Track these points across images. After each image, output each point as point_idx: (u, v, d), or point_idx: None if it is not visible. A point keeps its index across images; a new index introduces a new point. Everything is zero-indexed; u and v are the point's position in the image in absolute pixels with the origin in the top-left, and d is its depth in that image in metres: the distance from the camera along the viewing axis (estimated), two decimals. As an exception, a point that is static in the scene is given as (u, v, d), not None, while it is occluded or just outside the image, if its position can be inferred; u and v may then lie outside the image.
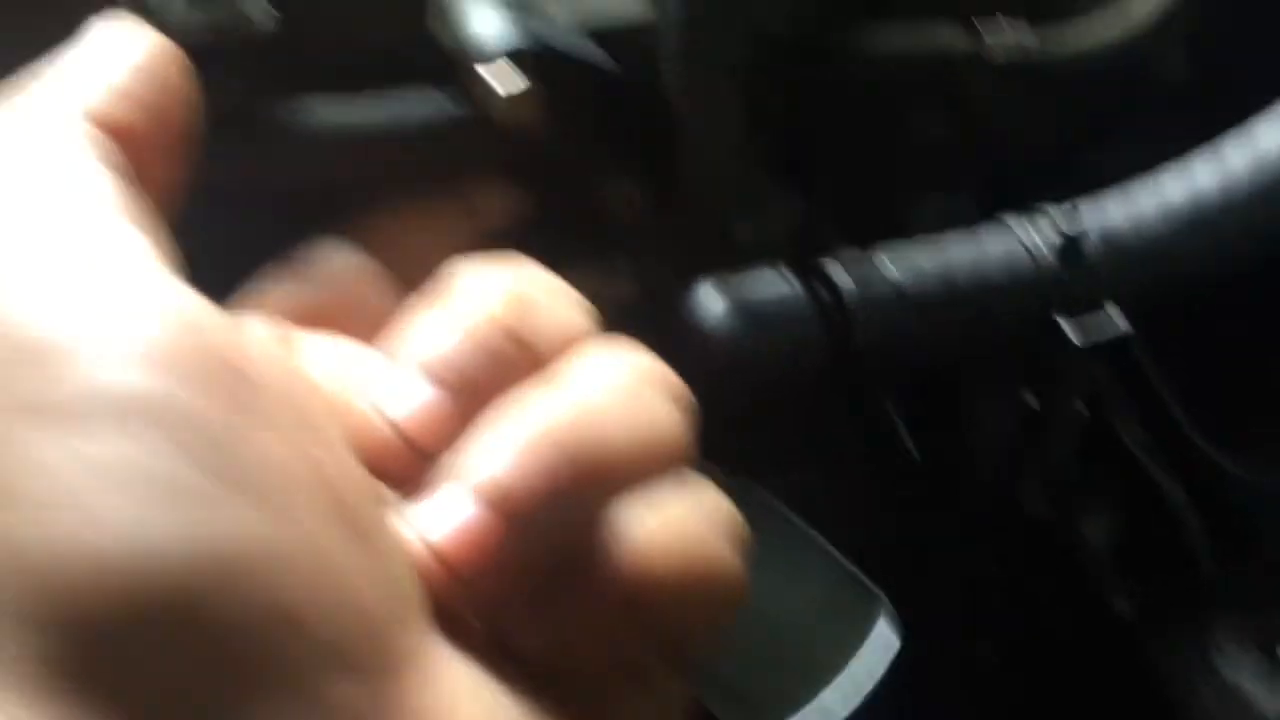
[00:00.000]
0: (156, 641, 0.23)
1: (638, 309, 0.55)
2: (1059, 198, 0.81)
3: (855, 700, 0.40)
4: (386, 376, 0.33)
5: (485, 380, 0.32)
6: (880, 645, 0.41)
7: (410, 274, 0.46)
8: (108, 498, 0.24)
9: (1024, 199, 0.78)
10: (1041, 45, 0.57)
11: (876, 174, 0.66)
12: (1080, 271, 0.50)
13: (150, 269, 0.28)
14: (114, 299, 0.27)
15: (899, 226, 0.69)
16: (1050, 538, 0.65)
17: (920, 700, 0.52)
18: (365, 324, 0.42)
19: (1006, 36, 0.57)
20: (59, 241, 0.28)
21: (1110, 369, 0.70)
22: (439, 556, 0.29)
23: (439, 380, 0.32)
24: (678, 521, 0.32)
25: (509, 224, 0.53)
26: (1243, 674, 0.62)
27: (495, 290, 0.34)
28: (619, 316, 0.42)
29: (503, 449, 0.30)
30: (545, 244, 0.54)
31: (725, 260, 0.57)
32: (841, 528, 0.55)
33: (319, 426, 0.29)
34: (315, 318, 0.40)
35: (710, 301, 0.49)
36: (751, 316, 0.48)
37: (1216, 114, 0.74)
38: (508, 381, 0.32)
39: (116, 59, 0.34)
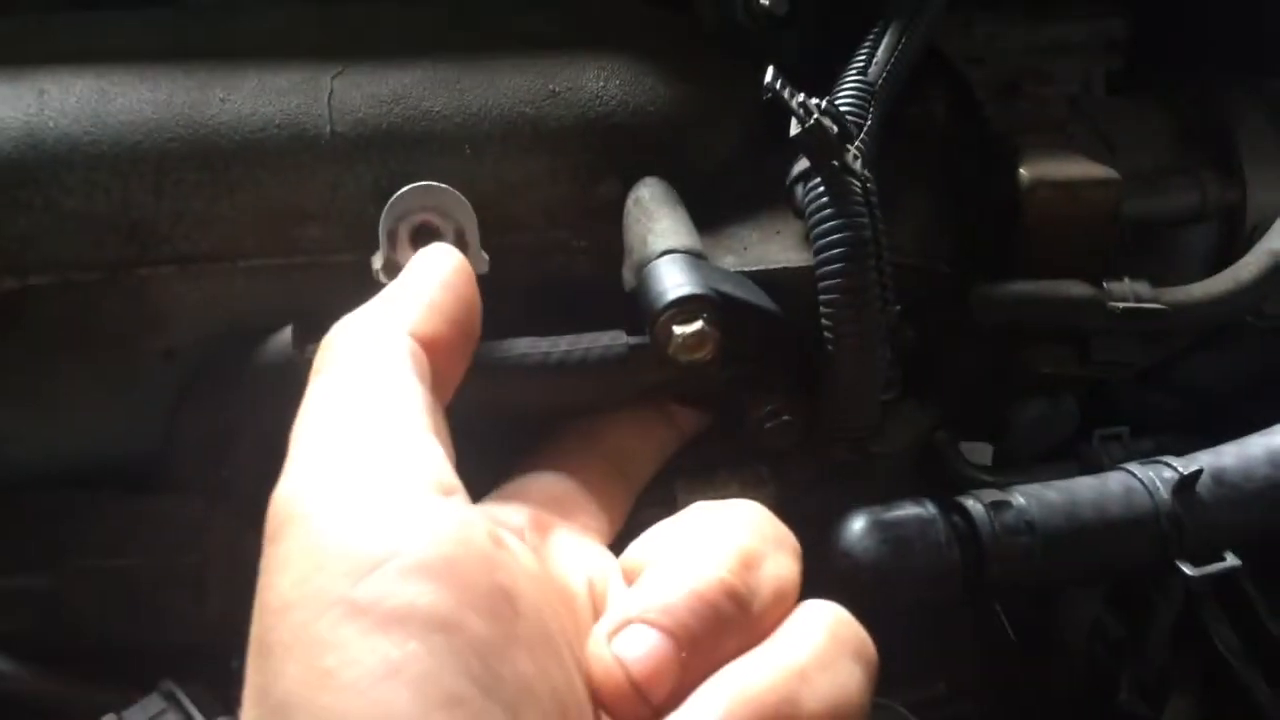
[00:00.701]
0: None
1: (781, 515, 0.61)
2: (1153, 405, 0.85)
3: None
4: (628, 618, 0.38)
5: (706, 635, 0.37)
6: None
7: (627, 467, 0.54)
8: (398, 692, 0.30)
9: (1119, 403, 0.83)
10: (1155, 297, 0.63)
11: (990, 388, 0.71)
12: (1194, 513, 0.55)
13: (442, 485, 0.35)
14: (416, 517, 0.33)
15: (1003, 426, 0.75)
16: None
17: None
18: (598, 517, 0.49)
19: (1125, 288, 0.63)
20: (376, 454, 0.35)
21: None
22: None
23: (668, 631, 0.37)
24: None
25: (701, 432, 0.59)
26: None
27: (727, 547, 0.39)
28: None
29: (716, 706, 0.35)
30: (704, 455, 0.61)
31: (859, 471, 0.63)
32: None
33: (559, 644, 0.35)
34: (563, 505, 0.46)
35: (860, 530, 0.54)
36: (896, 547, 0.54)
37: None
38: (726, 635, 0.37)
39: (434, 279, 0.43)
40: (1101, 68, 0.76)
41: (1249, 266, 0.64)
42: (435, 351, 0.41)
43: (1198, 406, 0.81)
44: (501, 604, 0.34)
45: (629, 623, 0.37)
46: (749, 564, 0.39)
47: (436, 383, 0.41)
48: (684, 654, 0.36)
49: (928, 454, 0.71)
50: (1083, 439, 0.75)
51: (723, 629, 0.37)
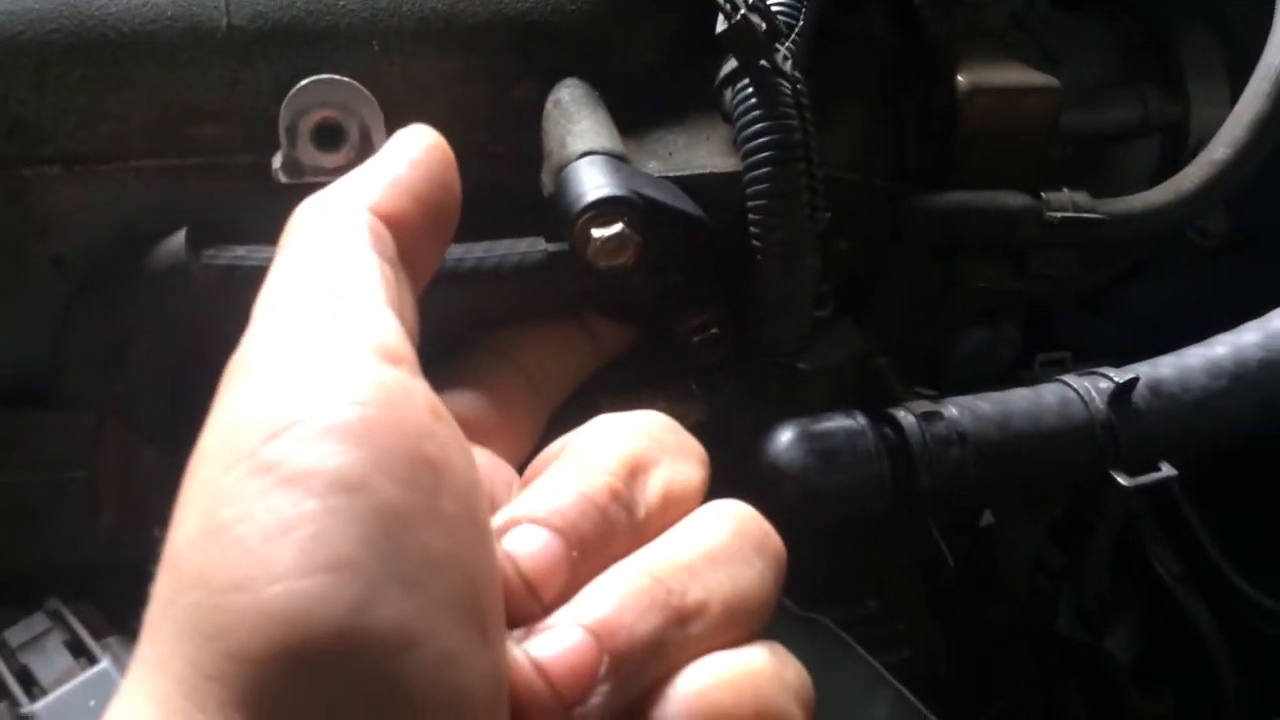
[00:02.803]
0: (296, 685, 0.28)
1: (712, 429, 0.59)
2: (1095, 332, 0.84)
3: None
4: (515, 518, 0.37)
5: (594, 536, 0.36)
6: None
7: (543, 385, 0.52)
8: (288, 552, 0.29)
9: (1062, 333, 0.82)
10: (1093, 207, 0.61)
11: (929, 311, 0.69)
12: (1129, 422, 0.54)
13: (387, 351, 0.34)
14: (346, 379, 0.32)
15: (944, 354, 0.73)
16: (1079, 652, 0.67)
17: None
18: (508, 437, 0.47)
19: (1063, 198, 0.61)
20: (320, 319, 0.34)
21: (1147, 502, 0.73)
22: (546, 674, 0.34)
23: (557, 530, 0.36)
24: (751, 680, 0.35)
25: (622, 349, 0.57)
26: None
27: (617, 452, 0.38)
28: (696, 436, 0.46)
29: (610, 596, 0.35)
30: (632, 370, 0.59)
31: (791, 388, 0.61)
32: (894, 649, 0.57)
33: (481, 532, 0.34)
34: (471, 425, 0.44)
35: (786, 442, 0.52)
36: (824, 458, 0.52)
37: (1252, 265, 0.78)
38: (615, 538, 0.37)
39: (402, 157, 0.40)
40: (1045, -19, 0.74)
41: (1190, 177, 0.63)
42: (401, 229, 0.39)
43: (1141, 333, 0.80)
44: (424, 473, 0.32)
45: (517, 522, 0.36)
46: (637, 469, 0.38)
47: (406, 261, 0.39)
48: (574, 553, 0.36)
49: (867, 379, 0.70)
50: (1024, 366, 0.74)
51: (611, 531, 0.37)
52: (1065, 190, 0.62)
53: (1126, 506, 0.69)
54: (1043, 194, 0.61)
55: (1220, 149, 0.63)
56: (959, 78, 0.62)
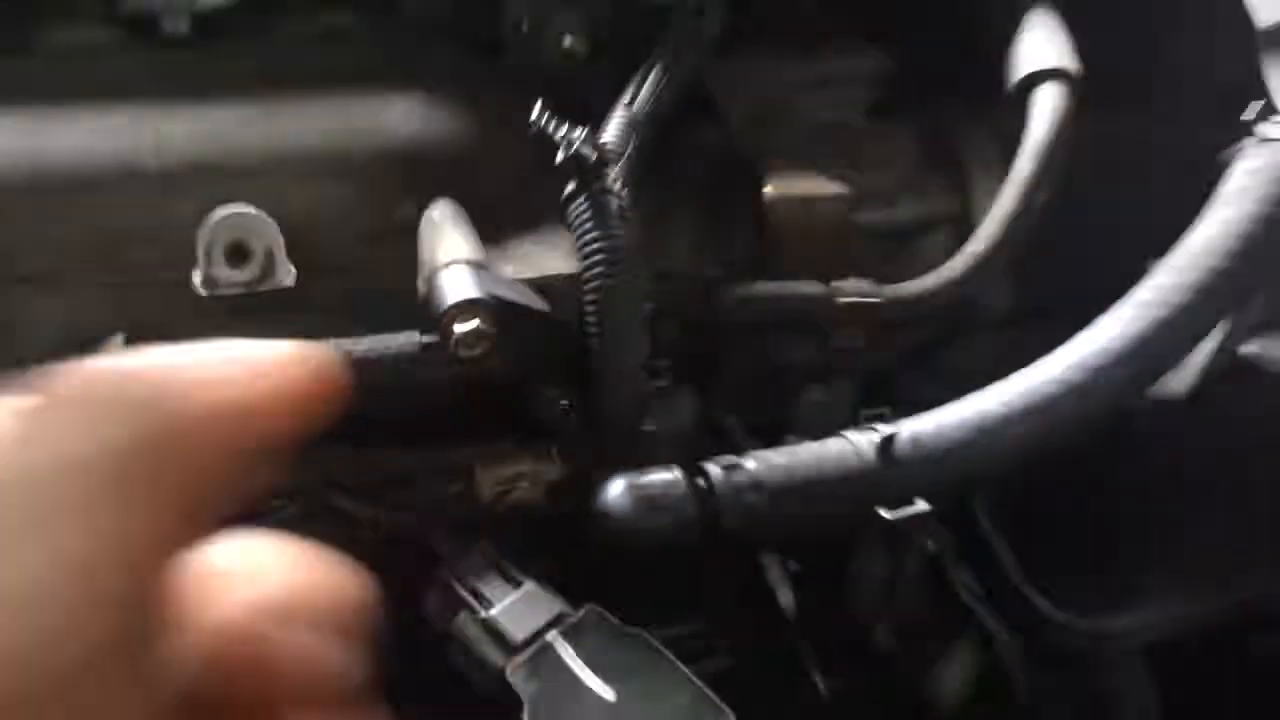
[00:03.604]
0: None
1: (567, 487, 0.72)
2: (920, 388, 0.98)
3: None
4: None
5: None
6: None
7: None
8: None
9: (903, 388, 0.95)
10: (876, 292, 0.75)
11: (760, 379, 0.83)
12: (891, 469, 0.67)
13: None
14: None
15: (787, 414, 0.86)
16: (897, 665, 0.80)
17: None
18: None
19: (850, 285, 0.75)
20: None
21: (953, 535, 0.87)
22: None
23: None
24: None
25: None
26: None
27: None
28: (552, 492, 0.59)
29: None
30: (499, 437, 0.71)
31: (635, 449, 0.74)
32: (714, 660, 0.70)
33: None
34: None
35: (615, 490, 0.65)
36: (643, 504, 0.64)
37: (1037, 332, 0.92)
38: None
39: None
40: (861, 98, 0.89)
41: (954, 266, 0.77)
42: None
43: (955, 389, 0.93)
44: None
45: None
46: None
47: None
48: None
49: (718, 437, 0.83)
50: (853, 421, 0.88)
51: None
52: (852, 279, 0.75)
53: (931, 541, 0.82)
54: (833, 282, 0.75)
55: (979, 242, 0.77)
56: (765, 188, 0.76)
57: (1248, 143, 0.75)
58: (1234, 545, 0.87)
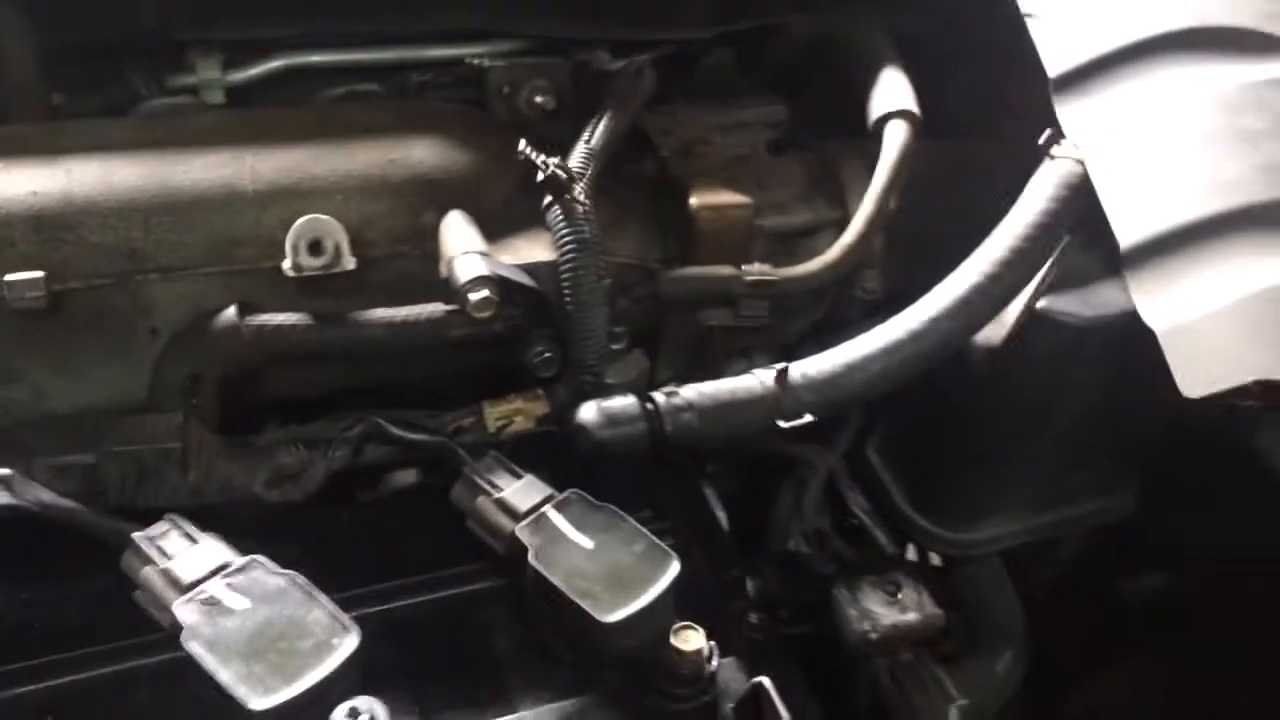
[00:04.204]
0: None
1: (551, 418, 0.97)
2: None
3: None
4: None
5: None
6: (668, 577, 0.81)
7: None
8: None
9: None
10: (773, 273, 1.02)
11: (699, 347, 1.09)
12: (787, 393, 0.93)
13: None
14: None
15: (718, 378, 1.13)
16: (804, 563, 1.06)
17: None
18: None
19: (754, 268, 1.02)
20: None
21: (846, 460, 1.14)
22: None
23: None
24: None
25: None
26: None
27: None
28: (540, 422, 0.84)
29: None
30: (501, 383, 0.97)
31: (602, 390, 0.99)
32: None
33: None
34: None
35: (585, 412, 0.91)
36: (606, 419, 0.90)
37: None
38: None
39: None
40: (764, 135, 1.17)
41: (831, 254, 1.04)
42: None
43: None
44: None
45: None
46: None
47: None
48: None
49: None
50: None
51: None
52: (757, 264, 1.03)
53: (826, 462, 1.09)
54: (742, 266, 1.02)
55: (848, 236, 1.05)
56: (691, 199, 1.03)
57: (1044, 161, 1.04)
58: (1052, 474, 1.14)
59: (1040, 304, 1.01)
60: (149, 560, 0.79)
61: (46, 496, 0.81)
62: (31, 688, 0.78)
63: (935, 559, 1.25)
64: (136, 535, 0.80)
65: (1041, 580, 1.42)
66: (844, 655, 0.99)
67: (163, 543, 0.80)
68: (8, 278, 0.84)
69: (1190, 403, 0.82)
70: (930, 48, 1.28)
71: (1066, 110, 0.98)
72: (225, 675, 0.71)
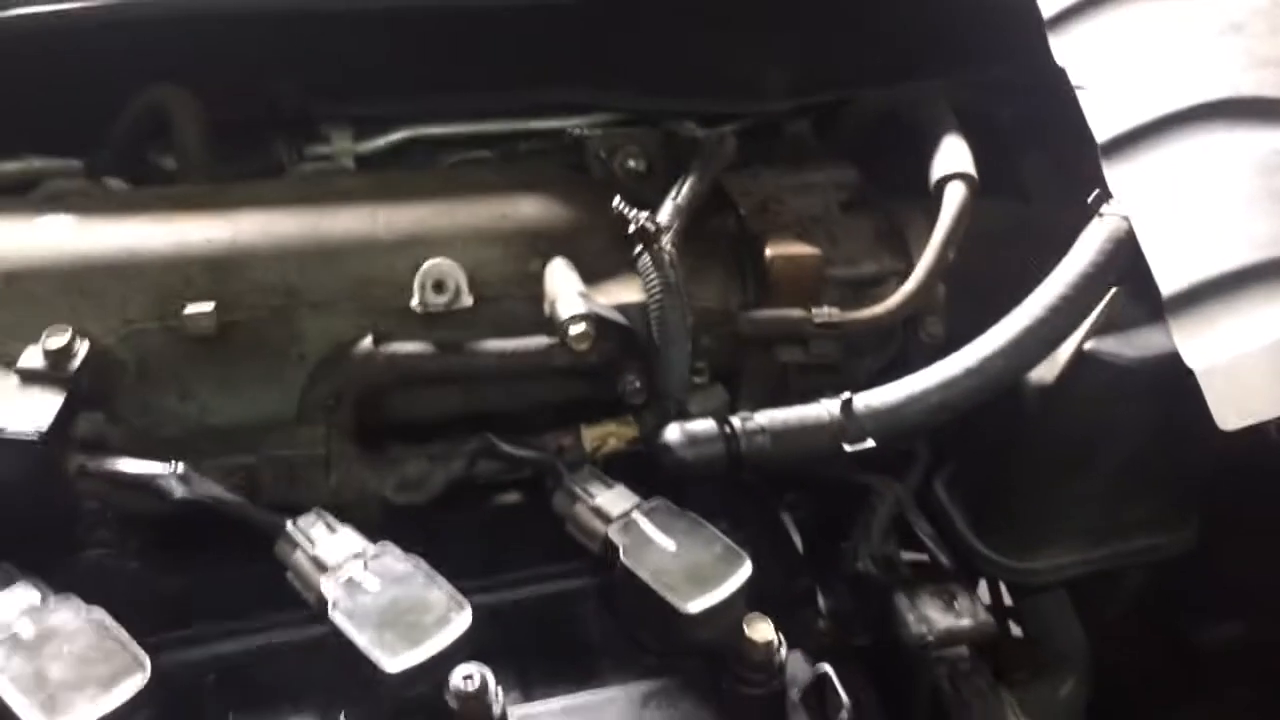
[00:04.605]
0: None
1: (640, 440, 1.10)
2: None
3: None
4: None
5: None
6: (742, 574, 0.92)
7: None
8: None
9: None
10: (840, 315, 1.14)
11: (777, 385, 1.21)
12: (851, 420, 1.04)
13: None
14: None
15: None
16: (871, 582, 1.15)
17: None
18: None
19: (823, 310, 1.14)
20: None
21: (912, 490, 1.23)
22: None
23: None
24: None
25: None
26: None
27: None
28: (630, 444, 0.97)
29: None
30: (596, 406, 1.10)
31: (684, 417, 1.11)
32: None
33: None
34: None
35: (669, 432, 1.03)
36: (689, 440, 1.02)
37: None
38: None
39: None
40: (835, 196, 1.29)
41: (894, 299, 1.16)
42: None
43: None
44: None
45: None
46: None
47: None
48: None
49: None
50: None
51: None
52: (826, 307, 1.14)
53: (895, 491, 1.19)
54: (812, 309, 1.14)
55: (909, 284, 1.16)
56: (766, 250, 1.16)
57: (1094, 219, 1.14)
58: (1106, 507, 1.22)
59: (1087, 345, 1.11)
60: (298, 546, 0.93)
61: (216, 491, 0.95)
62: (198, 652, 0.92)
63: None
64: (288, 525, 0.94)
65: (1108, 613, 1.49)
66: (905, 663, 1.08)
67: (310, 532, 0.94)
68: (186, 310, 1.01)
69: (1230, 437, 0.90)
70: (1004, 122, 1.41)
71: (1113, 172, 1.08)
72: (363, 641, 0.84)
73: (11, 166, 1.24)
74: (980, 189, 1.22)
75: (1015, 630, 1.50)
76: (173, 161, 1.24)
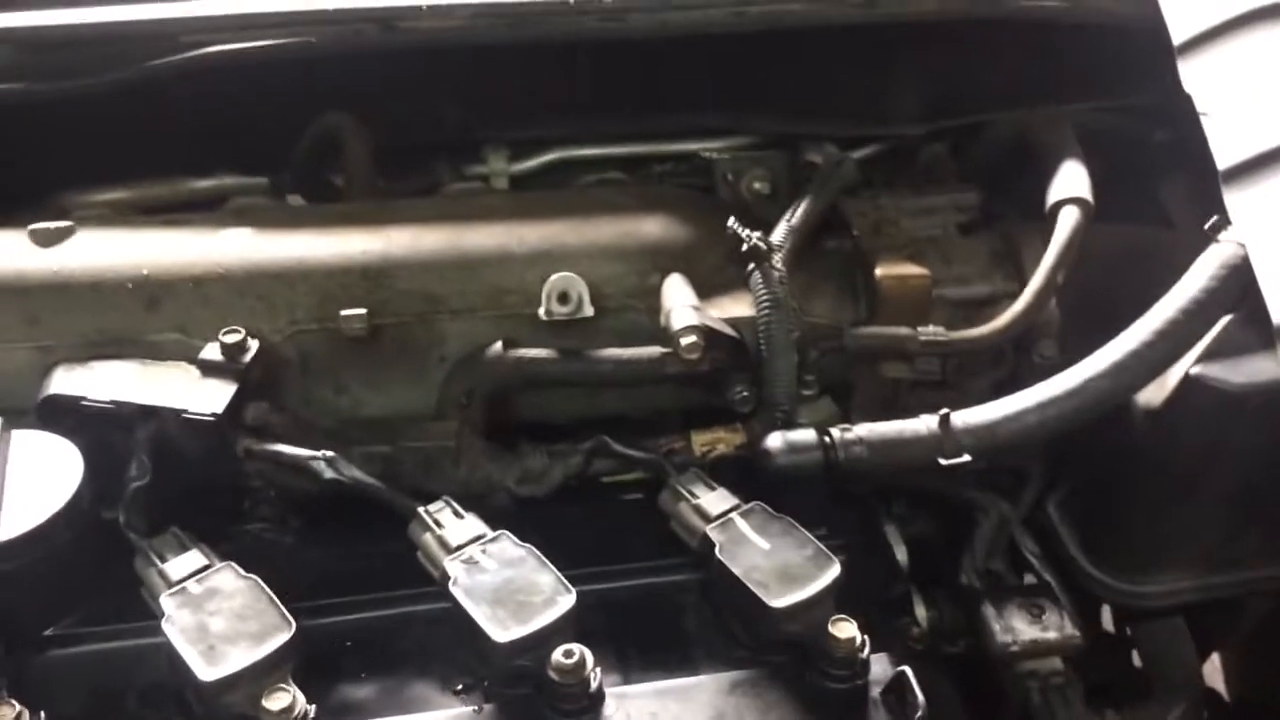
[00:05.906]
0: None
1: (747, 446, 1.16)
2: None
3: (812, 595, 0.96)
4: None
5: None
6: (829, 575, 0.97)
7: None
8: None
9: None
10: (944, 334, 1.18)
11: (887, 402, 1.25)
12: (949, 435, 1.08)
13: None
14: None
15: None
16: (970, 595, 1.18)
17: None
18: None
19: (928, 329, 1.18)
20: None
21: (1016, 506, 1.25)
22: None
23: None
24: None
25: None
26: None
27: None
28: (738, 449, 1.04)
29: None
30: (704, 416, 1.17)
31: (791, 427, 1.17)
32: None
33: None
34: None
35: (771, 440, 1.09)
36: (789, 447, 1.08)
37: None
38: None
39: None
40: (954, 218, 1.33)
41: (1000, 320, 1.19)
42: None
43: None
44: None
45: None
46: None
47: None
48: None
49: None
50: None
51: None
52: (932, 326, 1.19)
53: (1000, 509, 1.22)
54: (919, 328, 1.18)
55: (1018, 305, 1.19)
56: (876, 270, 1.21)
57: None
58: (1221, 533, 1.21)
59: (1194, 370, 1.11)
60: (428, 528, 1.04)
61: (359, 475, 1.07)
62: (337, 620, 1.04)
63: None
64: (420, 509, 1.05)
65: (1228, 642, 1.46)
66: (994, 672, 1.11)
67: (438, 516, 1.05)
68: (343, 313, 1.13)
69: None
70: (1154, 147, 1.41)
71: (1232, 198, 1.09)
72: (478, 614, 0.94)
73: (206, 184, 1.40)
74: (1116, 213, 1.24)
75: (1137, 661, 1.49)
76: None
